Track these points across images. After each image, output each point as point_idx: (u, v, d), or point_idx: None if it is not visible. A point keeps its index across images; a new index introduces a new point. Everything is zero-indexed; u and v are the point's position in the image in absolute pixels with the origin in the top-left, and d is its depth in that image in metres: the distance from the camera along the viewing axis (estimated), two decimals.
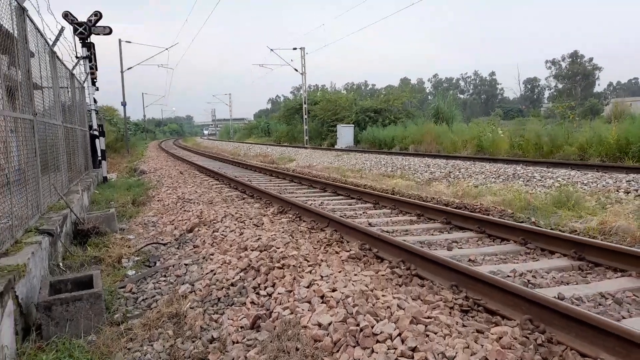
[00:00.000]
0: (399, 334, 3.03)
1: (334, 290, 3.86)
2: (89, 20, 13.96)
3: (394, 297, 3.63)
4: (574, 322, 3.02)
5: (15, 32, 5.61)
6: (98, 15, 14.11)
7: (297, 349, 3.12)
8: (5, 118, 4.85)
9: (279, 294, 4.10)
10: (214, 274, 4.91)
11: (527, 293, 3.41)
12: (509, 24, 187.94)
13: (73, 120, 11.60)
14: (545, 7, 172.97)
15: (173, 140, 71.81)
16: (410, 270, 4.48)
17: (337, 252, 5.22)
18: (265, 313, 3.87)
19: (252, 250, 5.28)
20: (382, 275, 4.42)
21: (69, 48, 12.24)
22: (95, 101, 15.34)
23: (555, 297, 3.70)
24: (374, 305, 3.45)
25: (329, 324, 3.30)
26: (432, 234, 6.36)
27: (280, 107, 67.16)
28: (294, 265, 4.60)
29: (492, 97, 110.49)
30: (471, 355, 2.77)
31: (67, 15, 13.68)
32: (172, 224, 7.78)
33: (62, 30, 10.12)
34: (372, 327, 3.11)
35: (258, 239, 5.67)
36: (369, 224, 6.84)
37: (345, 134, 30.66)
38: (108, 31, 14.59)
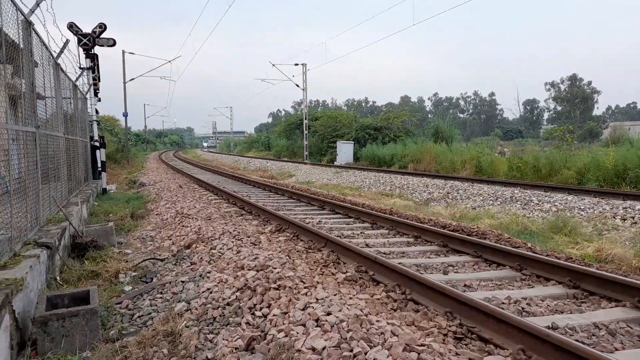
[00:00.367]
0: None
1: (328, 314, 3.87)
2: (94, 32, 14.09)
3: (388, 323, 3.64)
4: (566, 354, 3.05)
5: (21, 44, 5.71)
6: (103, 27, 14.24)
7: None
8: (8, 130, 4.92)
9: (274, 315, 4.11)
10: (210, 293, 4.91)
11: (520, 323, 3.43)
12: (509, 46, 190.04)
13: (74, 131, 11.69)
14: (546, 30, 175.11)
15: (173, 152, 71.88)
16: (405, 295, 4.50)
17: (333, 274, 5.25)
18: (260, 335, 3.87)
19: (249, 269, 5.30)
20: (377, 299, 4.44)
21: (72, 59, 12.31)
22: (97, 112, 15.40)
23: (548, 326, 3.73)
24: (367, 330, 3.46)
25: (323, 349, 3.31)
26: (429, 257, 6.39)
27: (281, 121, 67.46)
28: (290, 287, 4.61)
29: (492, 117, 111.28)
30: None
31: (71, 26, 13.82)
32: (170, 239, 7.80)
33: (66, 42, 10.26)
34: (366, 354, 3.13)
35: (255, 258, 5.69)
36: (366, 245, 6.87)
37: (345, 150, 30.78)
38: (112, 43, 14.75)
